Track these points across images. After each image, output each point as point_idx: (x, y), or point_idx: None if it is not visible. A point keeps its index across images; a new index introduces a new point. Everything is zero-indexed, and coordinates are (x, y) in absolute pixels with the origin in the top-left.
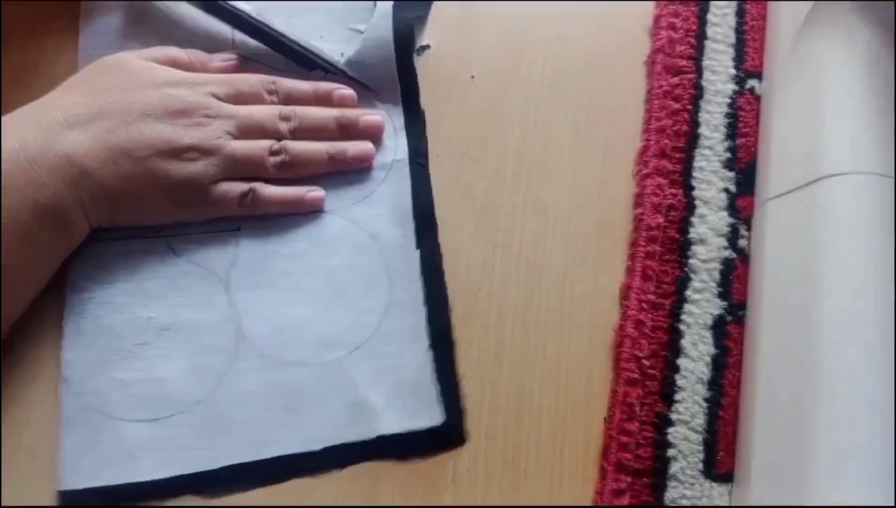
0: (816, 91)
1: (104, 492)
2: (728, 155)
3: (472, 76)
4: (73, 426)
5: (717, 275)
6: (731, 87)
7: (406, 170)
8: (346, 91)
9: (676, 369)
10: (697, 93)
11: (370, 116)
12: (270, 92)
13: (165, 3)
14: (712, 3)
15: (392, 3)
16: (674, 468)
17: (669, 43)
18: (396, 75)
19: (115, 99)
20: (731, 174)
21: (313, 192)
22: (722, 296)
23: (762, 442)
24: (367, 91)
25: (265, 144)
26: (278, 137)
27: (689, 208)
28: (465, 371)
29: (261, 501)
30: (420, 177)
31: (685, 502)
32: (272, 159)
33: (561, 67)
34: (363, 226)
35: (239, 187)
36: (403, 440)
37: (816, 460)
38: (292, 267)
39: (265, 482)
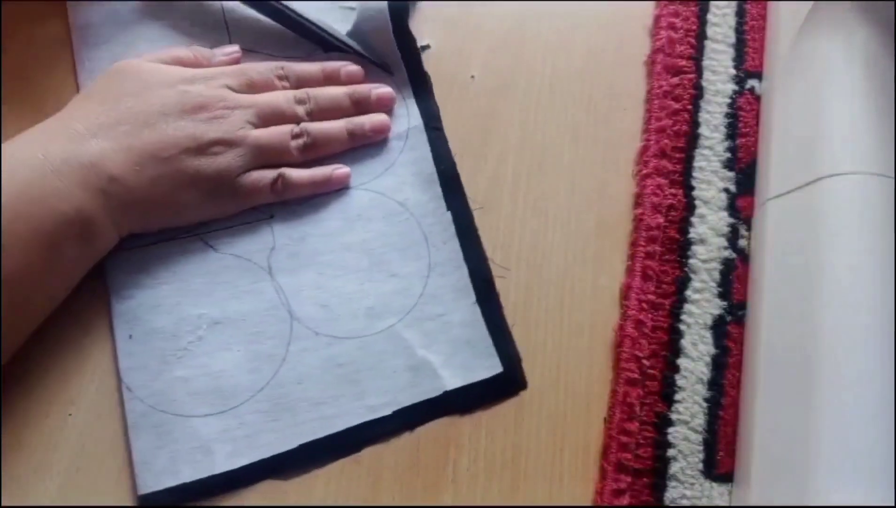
0: (816, 91)
1: (185, 489)
2: (728, 155)
3: (472, 76)
4: (141, 430)
5: (717, 275)
6: (731, 87)
7: (423, 136)
8: (353, 67)
9: (676, 369)
10: (697, 93)
11: (380, 88)
12: (280, 77)
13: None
14: (712, 3)
15: None
16: (674, 468)
17: (669, 43)
18: (395, 45)
19: (133, 104)
20: (731, 174)
21: (339, 169)
22: (722, 296)
23: (762, 442)
24: (376, 67)
25: (286, 128)
26: (296, 120)
27: (689, 208)
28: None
29: (261, 501)
30: (438, 141)
31: (685, 502)
32: (294, 143)
33: (561, 67)
34: (391, 196)
35: (269, 175)
36: (468, 392)
37: (816, 460)
38: (329, 245)
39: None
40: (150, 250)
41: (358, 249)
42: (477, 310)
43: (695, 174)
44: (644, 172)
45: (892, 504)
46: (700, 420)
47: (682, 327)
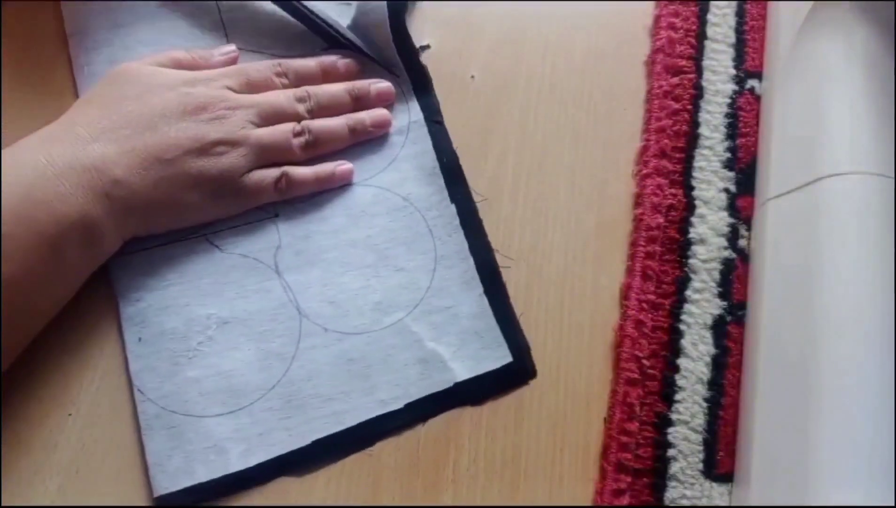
0: (816, 91)
1: (201, 489)
2: (728, 155)
3: (472, 76)
4: (154, 432)
5: (717, 275)
6: (731, 87)
7: (423, 130)
8: (349, 60)
9: (676, 369)
10: (697, 93)
11: (380, 83)
12: (279, 75)
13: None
14: (712, 3)
15: None
16: (674, 468)
17: (669, 43)
18: (393, 41)
19: (134, 107)
20: (731, 174)
21: (342, 166)
22: (722, 296)
23: (762, 442)
24: (379, 66)
25: (288, 127)
26: (297, 118)
27: (689, 208)
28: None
29: (261, 501)
30: (439, 134)
31: (685, 502)
32: (297, 141)
33: (561, 66)
34: (394, 191)
35: (272, 173)
36: (478, 383)
37: (816, 460)
38: (335, 242)
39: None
40: (157, 252)
41: (363, 244)
42: (484, 301)
43: (695, 174)
44: (644, 172)
45: (892, 505)
46: (700, 420)
47: (682, 327)
